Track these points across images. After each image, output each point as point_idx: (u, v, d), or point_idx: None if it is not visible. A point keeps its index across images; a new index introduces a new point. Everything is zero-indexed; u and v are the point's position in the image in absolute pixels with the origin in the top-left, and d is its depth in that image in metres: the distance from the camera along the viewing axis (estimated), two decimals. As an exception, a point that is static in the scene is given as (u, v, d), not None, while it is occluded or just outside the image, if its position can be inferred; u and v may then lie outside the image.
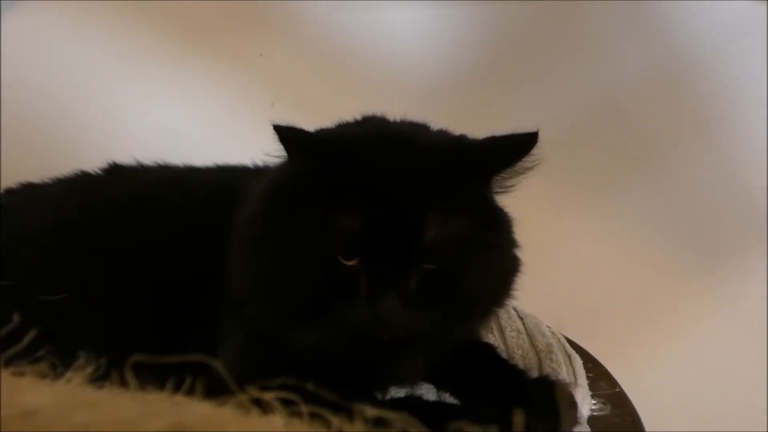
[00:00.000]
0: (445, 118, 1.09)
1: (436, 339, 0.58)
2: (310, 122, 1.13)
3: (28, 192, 0.77)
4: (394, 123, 0.64)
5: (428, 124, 0.63)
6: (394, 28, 1.14)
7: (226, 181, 0.74)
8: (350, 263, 0.53)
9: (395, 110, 1.08)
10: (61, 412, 0.22)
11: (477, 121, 1.04)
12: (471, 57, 1.15)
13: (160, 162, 0.79)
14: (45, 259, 0.67)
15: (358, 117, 0.65)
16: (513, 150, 0.56)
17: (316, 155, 0.54)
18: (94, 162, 0.81)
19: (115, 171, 0.79)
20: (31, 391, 0.25)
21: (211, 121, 1.16)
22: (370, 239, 0.53)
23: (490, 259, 0.58)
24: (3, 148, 1.08)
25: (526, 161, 0.56)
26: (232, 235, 0.61)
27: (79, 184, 0.78)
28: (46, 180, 0.79)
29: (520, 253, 0.61)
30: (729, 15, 1.13)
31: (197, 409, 0.23)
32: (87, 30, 1.14)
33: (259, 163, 0.73)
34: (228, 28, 1.16)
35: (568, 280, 1.16)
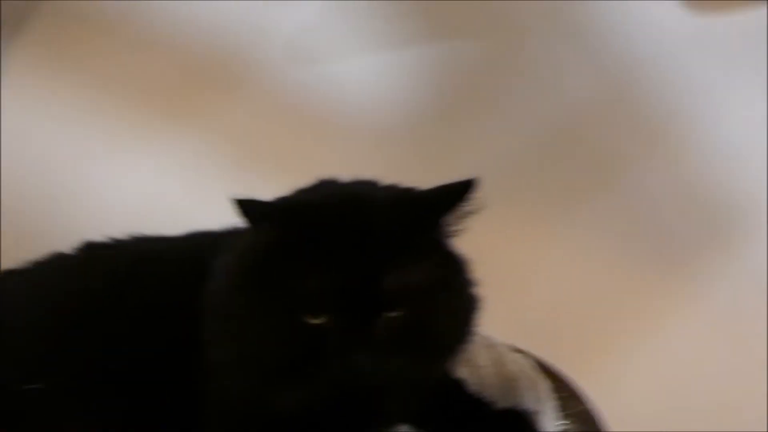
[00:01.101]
0: (404, 159, 1.14)
1: (408, 385, 0.60)
2: (278, 174, 1.17)
3: (5, 279, 0.78)
4: (347, 184, 0.66)
5: (377, 181, 0.66)
6: (347, 79, 1.17)
7: (196, 251, 0.75)
8: (318, 322, 0.55)
9: (354, 156, 1.13)
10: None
11: (437, 159, 1.12)
12: (424, 98, 1.18)
13: (132, 235, 0.80)
14: (26, 347, 0.68)
15: (312, 182, 0.67)
16: (454, 196, 0.58)
17: (277, 224, 0.57)
18: (67, 233, 0.82)
19: (89, 250, 0.78)
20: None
21: (185, 184, 1.16)
22: (333, 297, 0.55)
23: (449, 301, 0.60)
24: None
25: (467, 205, 0.59)
26: (205, 309, 0.62)
27: (55, 267, 0.78)
28: (24, 264, 0.79)
29: (483, 290, 0.62)
30: (670, 34, 1.17)
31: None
32: (58, 105, 1.15)
33: (228, 225, 0.71)
34: (192, 93, 1.18)
35: (538, 300, 1.18)
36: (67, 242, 0.81)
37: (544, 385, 0.77)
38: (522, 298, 1.13)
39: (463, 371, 0.75)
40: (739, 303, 1.24)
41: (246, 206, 0.56)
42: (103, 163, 1.17)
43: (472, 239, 0.63)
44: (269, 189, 1.13)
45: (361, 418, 0.61)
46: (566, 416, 0.75)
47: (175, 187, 1.17)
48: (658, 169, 1.22)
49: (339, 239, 0.56)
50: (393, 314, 0.55)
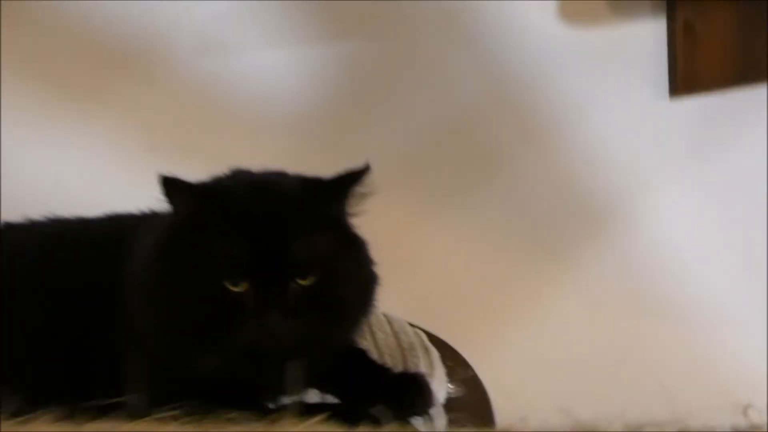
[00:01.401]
0: (307, 150, 1.19)
1: (316, 348, 0.66)
2: (187, 163, 1.18)
3: None
4: (259, 172, 0.72)
5: (286, 172, 0.72)
6: (256, 71, 1.18)
7: (113, 231, 0.79)
8: (236, 289, 0.60)
9: (258, 145, 1.17)
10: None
11: (338, 150, 1.17)
12: (326, 93, 1.20)
13: (50, 216, 0.82)
14: None
15: (227, 170, 0.72)
16: (350, 181, 0.66)
17: (197, 201, 0.63)
18: None
19: (6, 230, 0.81)
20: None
21: (95, 170, 1.17)
22: (250, 265, 0.61)
23: (351, 272, 0.67)
24: None
25: (361, 188, 0.66)
26: (129, 281, 0.66)
27: None
28: None
29: (382, 270, 0.69)
30: (548, 44, 1.23)
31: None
32: None
33: (144, 209, 0.78)
34: (101, 82, 1.17)
35: (430, 280, 1.25)
36: None
37: (435, 355, 0.85)
38: (414, 277, 1.19)
39: (364, 343, 0.82)
40: (606, 283, 1.34)
41: (169, 184, 0.62)
42: (18, 147, 1.14)
43: (371, 224, 0.69)
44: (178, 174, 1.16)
45: (273, 381, 0.64)
46: (453, 382, 0.82)
47: (86, 172, 1.17)
48: (535, 164, 1.28)
49: (252, 216, 0.62)
50: (302, 281, 0.62)
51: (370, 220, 0.68)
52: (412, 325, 0.93)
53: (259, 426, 0.37)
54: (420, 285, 1.18)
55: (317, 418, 0.43)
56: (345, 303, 0.67)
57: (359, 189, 0.66)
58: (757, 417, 0.29)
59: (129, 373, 0.64)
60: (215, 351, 0.62)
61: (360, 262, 0.68)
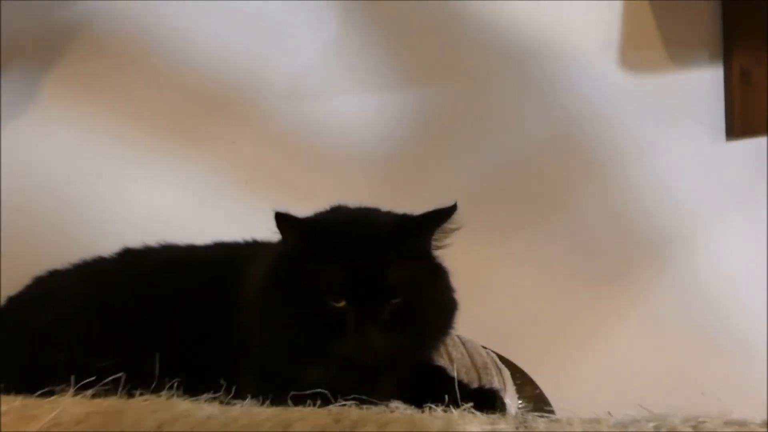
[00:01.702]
0: (387, 187, 1.23)
1: (403, 361, 0.72)
2: (277, 196, 1.25)
3: (55, 279, 0.86)
4: (357, 208, 0.78)
5: (379, 208, 0.78)
6: (343, 115, 1.22)
7: (223, 258, 0.85)
8: (339, 305, 0.66)
9: (343, 183, 1.22)
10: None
11: (415, 188, 1.23)
12: (405, 135, 1.24)
13: (163, 243, 0.89)
14: (85, 333, 0.76)
15: (328, 206, 0.78)
16: (439, 218, 0.71)
17: (306, 233, 0.70)
18: (92, 244, 0.91)
19: (127, 254, 0.88)
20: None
21: (194, 202, 1.21)
22: (352, 285, 0.66)
23: (435, 296, 0.73)
24: (8, 238, 1.14)
25: (449, 224, 0.71)
26: (247, 302, 0.72)
27: (99, 269, 0.87)
28: (67, 266, 0.87)
29: (457, 296, 0.74)
30: (609, 90, 1.27)
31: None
32: (85, 130, 1.18)
33: (246, 239, 0.86)
34: (203, 121, 1.21)
35: (500, 305, 1.28)
36: (84, 248, 0.89)
37: (506, 373, 0.92)
38: (487, 303, 1.21)
39: (442, 362, 0.89)
40: (664, 308, 1.35)
41: (282, 218, 0.69)
42: (121, 179, 1.20)
43: (449, 254, 0.75)
44: (269, 210, 1.24)
45: (366, 392, 0.66)
46: (522, 398, 0.88)
47: (188, 203, 1.22)
48: (597, 198, 1.32)
49: (353, 245, 0.69)
50: (395, 301, 0.68)
51: (449, 251, 0.74)
52: (484, 347, 0.98)
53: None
54: (491, 310, 1.20)
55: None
56: (429, 322, 0.73)
57: (447, 225, 0.71)
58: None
59: (239, 381, 0.66)
60: (319, 361, 0.68)
61: (442, 288, 0.74)
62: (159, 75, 1.20)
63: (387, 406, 0.73)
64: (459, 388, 0.76)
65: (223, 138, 1.22)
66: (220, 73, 1.20)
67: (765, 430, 0.31)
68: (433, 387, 0.77)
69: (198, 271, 0.84)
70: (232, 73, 1.20)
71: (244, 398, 0.65)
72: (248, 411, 0.38)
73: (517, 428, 0.33)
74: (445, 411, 0.38)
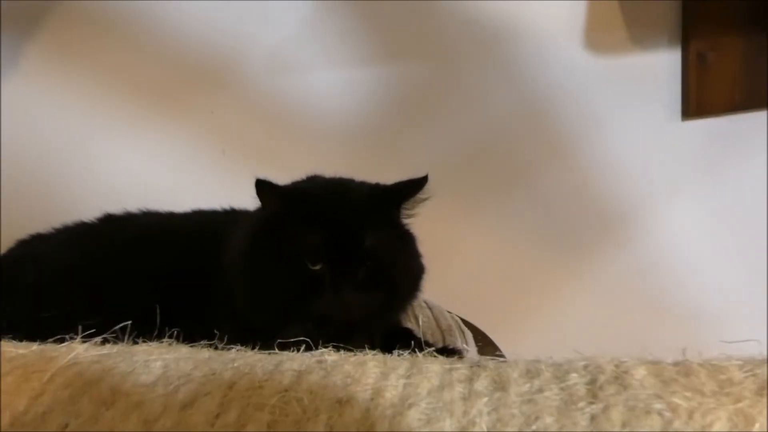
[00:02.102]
0: (359, 157, 1.27)
1: (376, 320, 0.76)
2: (253, 165, 1.28)
3: (40, 242, 0.89)
4: (332, 177, 0.81)
5: (353, 178, 0.81)
6: (319, 88, 1.26)
7: (203, 224, 0.88)
8: (316, 267, 0.69)
9: (320, 154, 1.24)
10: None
11: (387, 159, 1.28)
12: (378, 109, 1.27)
13: (144, 209, 0.91)
14: (72, 293, 0.79)
15: (304, 176, 0.81)
16: (411, 188, 0.74)
17: (285, 200, 0.73)
18: (72, 209, 0.92)
19: (109, 219, 0.91)
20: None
21: (173, 169, 1.25)
22: (328, 249, 0.70)
23: (404, 260, 0.77)
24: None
25: (420, 195, 0.74)
26: (230, 265, 0.75)
27: (82, 232, 0.89)
28: (50, 230, 0.89)
29: (425, 262, 0.78)
30: (573, 69, 1.30)
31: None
32: (66, 98, 1.21)
33: (226, 207, 0.89)
34: (183, 91, 1.24)
35: (465, 272, 1.32)
36: (66, 213, 0.91)
37: (469, 335, 0.97)
38: (452, 270, 1.27)
39: (410, 324, 0.92)
40: (617, 282, 1.41)
41: (262, 185, 0.72)
42: (101, 147, 1.23)
43: (417, 223, 0.78)
44: (245, 179, 1.27)
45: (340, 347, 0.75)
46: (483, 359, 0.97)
47: (162, 172, 1.25)
48: (560, 175, 1.35)
49: (329, 212, 0.72)
50: (368, 263, 0.72)
51: (419, 219, 0.78)
52: (448, 312, 1.03)
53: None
54: (456, 277, 1.25)
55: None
56: (398, 284, 0.76)
57: (419, 195, 0.74)
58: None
59: (222, 337, 0.66)
60: (299, 319, 0.71)
61: (411, 253, 0.78)
62: (141, 45, 1.21)
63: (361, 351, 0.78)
64: (426, 346, 0.85)
65: (202, 108, 1.25)
66: (201, 45, 1.22)
67: (676, 368, 0.37)
68: (401, 346, 0.82)
69: (178, 237, 0.87)
70: (212, 45, 1.22)
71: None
72: (242, 354, 0.42)
73: (471, 367, 0.38)
74: (411, 354, 0.43)
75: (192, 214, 0.93)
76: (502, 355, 0.97)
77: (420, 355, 0.42)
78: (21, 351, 0.41)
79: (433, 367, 0.38)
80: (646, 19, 1.29)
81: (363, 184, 0.80)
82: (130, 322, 0.56)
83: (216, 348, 0.48)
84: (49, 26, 1.19)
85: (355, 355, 0.42)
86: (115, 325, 0.69)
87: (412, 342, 0.80)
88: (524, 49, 1.28)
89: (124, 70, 1.22)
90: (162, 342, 0.44)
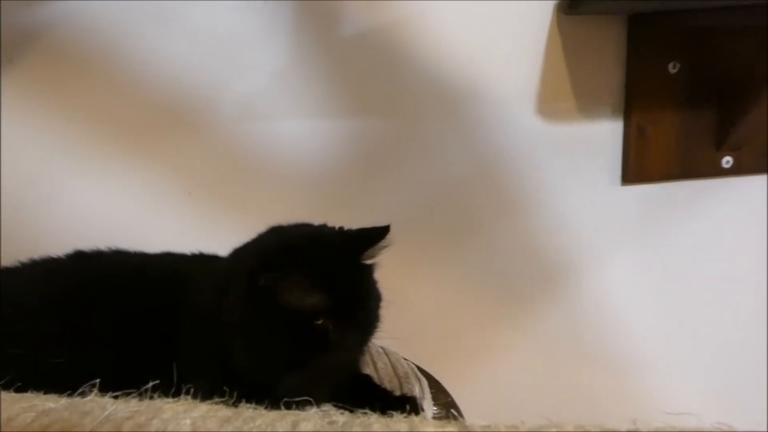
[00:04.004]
0: (322, 204, 1.30)
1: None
2: (219, 208, 1.31)
3: (6, 275, 0.88)
4: (296, 226, 0.81)
5: (311, 223, 0.82)
6: (287, 137, 1.28)
7: (172, 267, 0.88)
8: (319, 322, 0.71)
9: (283, 200, 1.27)
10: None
11: (349, 209, 1.31)
12: (341, 159, 1.30)
13: (114, 248, 0.91)
14: (39, 330, 0.78)
15: (265, 228, 0.81)
16: (377, 234, 0.76)
17: (273, 269, 0.71)
18: (37, 245, 0.93)
19: (79, 256, 0.90)
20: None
21: (140, 208, 1.25)
22: (330, 305, 0.72)
23: (375, 294, 0.79)
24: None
25: (383, 243, 0.77)
26: (227, 324, 0.74)
27: (51, 268, 0.88)
28: (17, 264, 0.89)
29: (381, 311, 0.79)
30: (527, 135, 1.37)
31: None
32: (37, 133, 1.20)
33: (195, 251, 0.90)
34: (153, 131, 1.24)
35: (421, 320, 1.37)
36: (33, 247, 0.91)
37: (424, 382, 1.00)
38: (407, 318, 1.18)
39: (368, 370, 0.97)
40: (558, 332, 1.48)
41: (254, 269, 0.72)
42: (70, 181, 1.23)
43: (377, 271, 0.79)
44: (210, 220, 1.29)
45: (314, 394, 0.70)
46: (436, 405, 0.95)
47: (130, 210, 1.25)
48: (509, 230, 1.42)
49: (324, 269, 0.73)
50: (363, 312, 0.76)
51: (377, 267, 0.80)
52: (405, 358, 1.06)
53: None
54: (410, 324, 1.21)
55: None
56: (376, 318, 0.79)
57: (381, 243, 0.77)
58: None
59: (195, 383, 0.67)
60: (301, 371, 0.72)
61: (376, 285, 0.80)
62: (115, 86, 1.22)
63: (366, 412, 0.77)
64: (385, 395, 0.85)
65: (171, 149, 1.26)
66: (175, 89, 1.24)
67: None
68: (363, 393, 0.84)
69: (148, 278, 0.87)
70: (185, 89, 1.24)
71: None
72: (258, 413, 0.46)
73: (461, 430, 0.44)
74: (406, 417, 0.48)
75: (161, 256, 0.93)
76: (453, 402, 1.00)
77: (416, 419, 0.47)
78: (50, 405, 0.44)
79: (428, 429, 0.43)
80: (592, 92, 1.38)
81: (334, 231, 0.81)
82: (155, 382, 0.58)
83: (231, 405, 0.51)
84: (24, 62, 1.20)
85: (360, 416, 0.47)
86: (83, 365, 0.69)
87: (374, 392, 0.86)
88: (481, 112, 1.34)
89: (97, 108, 1.22)
90: (181, 398, 0.47)
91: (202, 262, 0.90)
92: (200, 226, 1.29)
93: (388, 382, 0.97)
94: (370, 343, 0.81)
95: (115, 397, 0.46)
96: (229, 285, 0.76)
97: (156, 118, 1.25)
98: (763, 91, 1.29)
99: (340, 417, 0.45)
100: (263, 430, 0.41)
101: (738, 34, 1.35)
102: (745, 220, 1.53)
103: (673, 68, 1.37)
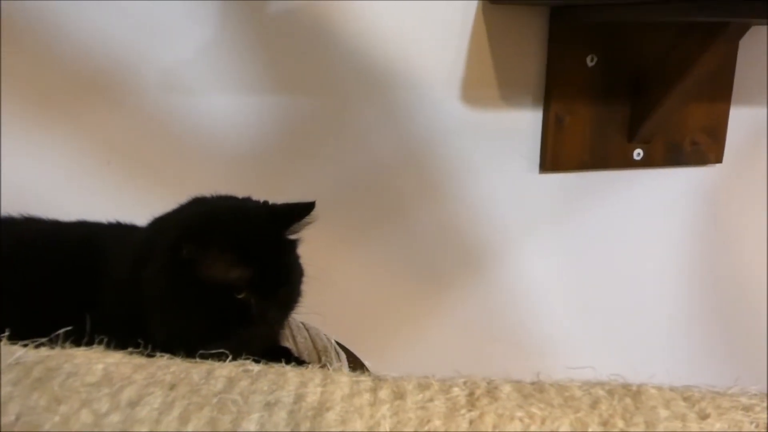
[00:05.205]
0: (248, 182, 1.21)
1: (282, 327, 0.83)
2: (138, 178, 1.28)
3: None
4: (221, 198, 0.82)
5: (235, 195, 0.82)
6: (211, 111, 1.27)
7: (87, 235, 0.88)
8: (241, 296, 0.72)
9: (206, 176, 1.26)
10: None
11: (273, 184, 1.31)
12: (267, 136, 1.30)
13: (26, 215, 0.91)
14: None
15: (188, 198, 0.81)
16: (302, 210, 0.77)
17: (196, 242, 0.71)
18: None
19: None
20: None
21: (60, 177, 1.22)
22: (252, 279, 0.72)
23: (298, 269, 0.80)
24: None
25: (307, 219, 0.78)
26: (146, 293, 0.73)
27: None
28: None
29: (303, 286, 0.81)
30: (451, 116, 1.39)
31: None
32: None
33: (111, 220, 0.90)
34: (74, 98, 1.21)
35: (342, 297, 1.39)
36: None
37: (343, 356, 1.03)
38: (328, 294, 1.19)
39: (287, 343, 0.99)
40: (476, 310, 1.53)
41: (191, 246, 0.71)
42: None
43: (300, 248, 0.81)
44: (129, 191, 1.27)
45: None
46: None
47: (47, 177, 1.22)
48: (430, 212, 1.45)
49: (247, 241, 0.73)
50: (287, 285, 0.78)
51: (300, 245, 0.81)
52: (324, 334, 1.08)
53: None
54: (332, 301, 1.14)
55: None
56: (298, 292, 0.81)
57: (306, 219, 0.78)
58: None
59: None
60: (220, 342, 0.70)
61: (298, 261, 0.81)
62: (35, 53, 1.19)
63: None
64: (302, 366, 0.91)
65: (92, 118, 1.24)
66: (98, 59, 1.21)
67: (533, 386, 0.46)
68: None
69: (61, 246, 0.87)
70: (109, 60, 1.22)
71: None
72: (174, 361, 0.46)
73: (373, 379, 0.46)
74: (321, 368, 0.50)
75: (76, 224, 0.92)
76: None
77: (330, 369, 0.48)
78: None
79: (343, 378, 0.45)
80: (515, 81, 1.42)
81: (258, 205, 0.81)
82: (67, 328, 0.57)
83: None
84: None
85: (275, 366, 0.48)
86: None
87: (292, 361, 0.89)
88: (407, 95, 1.37)
89: (17, 76, 1.19)
90: (94, 347, 0.47)
91: (119, 230, 0.89)
92: (120, 196, 1.27)
93: (307, 356, 1.00)
94: (290, 318, 0.85)
95: (24, 345, 0.45)
96: (149, 255, 0.75)
97: (77, 87, 1.22)
98: (673, 87, 1.36)
99: (255, 366, 0.46)
100: (178, 376, 0.42)
101: (651, 29, 1.42)
102: (653, 211, 1.61)
103: (590, 61, 1.43)
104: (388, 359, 1.41)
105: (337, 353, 1.04)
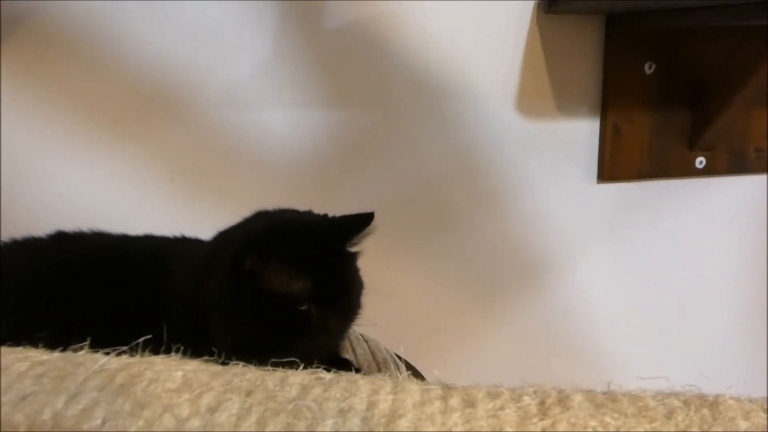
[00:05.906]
0: (305, 195, 1.23)
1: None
2: (200, 195, 1.31)
3: None
4: (284, 212, 0.83)
5: (296, 209, 0.84)
6: (270, 126, 1.29)
7: (154, 249, 0.90)
8: (303, 308, 0.72)
9: (266, 189, 1.28)
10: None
11: (330, 198, 1.32)
12: (325, 149, 1.31)
13: (94, 230, 0.93)
14: (20, 308, 0.79)
15: (252, 212, 0.82)
16: (362, 222, 0.77)
17: (260, 254, 0.71)
18: (18, 226, 0.94)
19: (60, 237, 0.91)
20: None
21: (122, 192, 1.25)
22: (314, 290, 0.72)
23: (359, 281, 0.80)
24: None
25: (367, 230, 0.77)
26: (209, 303, 0.74)
27: (34, 248, 0.90)
28: None
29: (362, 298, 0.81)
30: (507, 126, 1.38)
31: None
32: (24, 115, 1.19)
33: (177, 234, 0.92)
34: (137, 116, 1.24)
35: (400, 309, 1.39)
36: (14, 227, 0.93)
37: (402, 368, 1.03)
38: (386, 307, 1.20)
39: (347, 355, 0.99)
40: (535, 323, 1.51)
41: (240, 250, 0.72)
42: (53, 163, 1.22)
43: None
44: (193, 206, 1.29)
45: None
46: None
47: (112, 194, 1.25)
48: (487, 224, 1.43)
49: (310, 254, 0.74)
50: (345, 299, 0.78)
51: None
52: (384, 346, 1.07)
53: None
54: (389, 313, 1.15)
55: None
56: (358, 304, 0.81)
57: (366, 230, 0.78)
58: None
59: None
60: (282, 355, 0.71)
61: (358, 274, 0.81)
62: (102, 70, 1.22)
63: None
64: None
65: (155, 135, 1.26)
66: (161, 77, 1.24)
67: (605, 396, 0.46)
68: None
69: (129, 259, 0.88)
70: (170, 75, 1.24)
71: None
72: (248, 369, 0.47)
73: (443, 388, 0.46)
74: (390, 377, 0.50)
75: (143, 238, 0.94)
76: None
77: (400, 377, 0.49)
78: (44, 356, 0.45)
79: (413, 386, 0.45)
80: (571, 90, 1.41)
81: (319, 218, 0.82)
82: (147, 336, 0.58)
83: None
84: (11, 45, 1.19)
85: (347, 374, 0.49)
86: (64, 340, 0.66)
87: (354, 371, 0.89)
88: (462, 106, 1.37)
89: (81, 92, 1.22)
90: (171, 356, 0.49)
91: (183, 243, 0.91)
92: (183, 212, 1.29)
93: (367, 368, 0.99)
94: (350, 330, 0.83)
95: (106, 354, 0.47)
96: (213, 267, 0.76)
97: (142, 105, 1.25)
98: (736, 93, 1.33)
99: (327, 375, 0.46)
100: (253, 383, 0.43)
101: (712, 35, 1.39)
102: (716, 221, 1.58)
103: (648, 69, 1.41)
104: (446, 372, 1.35)
105: (397, 365, 1.04)
